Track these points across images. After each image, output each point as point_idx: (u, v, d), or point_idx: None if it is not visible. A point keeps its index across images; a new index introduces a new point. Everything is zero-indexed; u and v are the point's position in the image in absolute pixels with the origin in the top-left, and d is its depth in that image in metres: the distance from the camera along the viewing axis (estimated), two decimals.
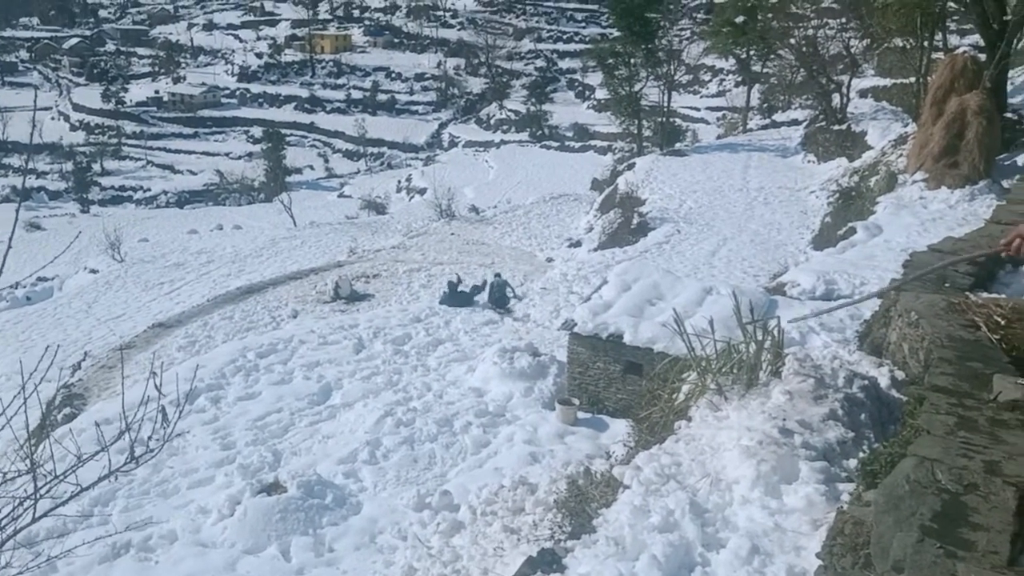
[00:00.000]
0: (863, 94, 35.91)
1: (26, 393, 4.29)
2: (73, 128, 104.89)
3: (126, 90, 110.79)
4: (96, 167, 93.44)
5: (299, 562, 9.97)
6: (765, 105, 49.79)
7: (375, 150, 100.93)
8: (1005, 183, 18.66)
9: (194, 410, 14.15)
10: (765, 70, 45.40)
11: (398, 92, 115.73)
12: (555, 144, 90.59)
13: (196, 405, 14.36)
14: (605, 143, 77.88)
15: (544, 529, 8.53)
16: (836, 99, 33.76)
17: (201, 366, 15.61)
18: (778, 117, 45.20)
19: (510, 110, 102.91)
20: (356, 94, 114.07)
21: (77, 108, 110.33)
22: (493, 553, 8.80)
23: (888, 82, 34.75)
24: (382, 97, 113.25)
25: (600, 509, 6.94)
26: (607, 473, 8.41)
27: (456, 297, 21.15)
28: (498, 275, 21.96)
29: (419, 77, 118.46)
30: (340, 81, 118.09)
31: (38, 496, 4.28)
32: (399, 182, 78.20)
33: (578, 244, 29.32)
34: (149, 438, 4.51)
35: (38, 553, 6.94)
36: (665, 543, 5.49)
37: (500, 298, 21.27)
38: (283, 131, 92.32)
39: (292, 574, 9.73)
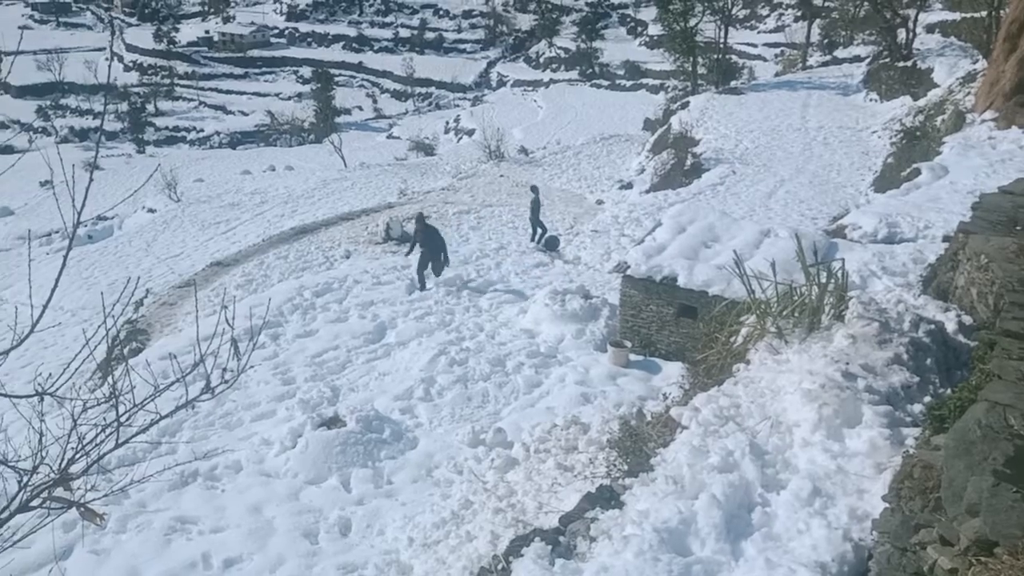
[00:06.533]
0: (930, 29, 34.38)
1: (106, 326, 4.46)
2: (127, 69, 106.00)
3: (177, 30, 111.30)
4: (150, 108, 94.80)
5: (359, 493, 10.31)
6: (826, 41, 48.06)
7: (423, 90, 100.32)
8: None
9: (255, 346, 14.46)
10: (827, 3, 43.64)
11: (446, 30, 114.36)
12: (606, 83, 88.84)
13: (256, 341, 14.70)
14: (658, 81, 76.08)
15: (599, 467, 8.65)
16: (901, 34, 32.42)
17: (259, 304, 15.97)
18: (839, 53, 43.56)
19: (560, 47, 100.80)
20: (404, 32, 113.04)
21: (130, 49, 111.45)
22: (548, 489, 8.97)
23: (957, 16, 33.20)
24: (430, 35, 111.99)
25: (657, 449, 7.01)
26: (663, 414, 8.46)
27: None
28: (534, 188, 22.21)
29: (467, 14, 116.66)
30: (388, 19, 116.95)
31: (120, 423, 4.48)
32: (447, 123, 77.84)
33: (629, 186, 28.94)
34: (224, 369, 4.67)
35: (113, 481, 7.26)
36: (725, 483, 5.53)
37: (551, 240, 21.24)
38: (332, 71, 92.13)
39: (353, 504, 10.06)
